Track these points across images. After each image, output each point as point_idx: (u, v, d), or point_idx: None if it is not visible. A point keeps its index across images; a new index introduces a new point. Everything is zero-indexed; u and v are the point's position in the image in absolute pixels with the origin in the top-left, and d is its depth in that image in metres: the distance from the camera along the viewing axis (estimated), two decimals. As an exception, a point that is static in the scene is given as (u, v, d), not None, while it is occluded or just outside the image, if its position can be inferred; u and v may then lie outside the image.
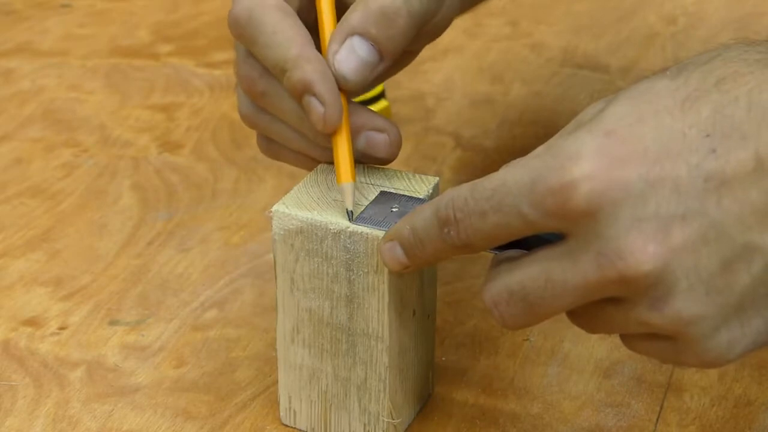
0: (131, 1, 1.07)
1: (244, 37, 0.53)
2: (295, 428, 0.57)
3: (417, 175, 0.55)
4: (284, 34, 0.52)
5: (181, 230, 0.73)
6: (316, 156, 0.55)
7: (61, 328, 0.64)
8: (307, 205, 0.52)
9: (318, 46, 0.53)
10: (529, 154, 0.45)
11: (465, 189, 0.46)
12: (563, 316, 0.65)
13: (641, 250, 0.42)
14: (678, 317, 0.43)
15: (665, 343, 0.44)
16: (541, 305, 0.45)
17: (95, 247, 0.71)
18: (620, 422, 0.57)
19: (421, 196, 0.53)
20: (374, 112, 0.55)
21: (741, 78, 0.43)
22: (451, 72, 0.93)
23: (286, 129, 0.55)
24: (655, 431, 0.57)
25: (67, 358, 0.62)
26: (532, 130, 0.84)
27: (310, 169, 0.56)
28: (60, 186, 0.78)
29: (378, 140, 0.54)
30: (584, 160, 0.42)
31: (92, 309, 0.66)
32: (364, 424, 0.54)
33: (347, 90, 0.53)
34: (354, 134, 0.53)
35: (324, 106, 0.51)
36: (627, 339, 0.46)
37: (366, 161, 0.55)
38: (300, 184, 0.54)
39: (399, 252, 0.49)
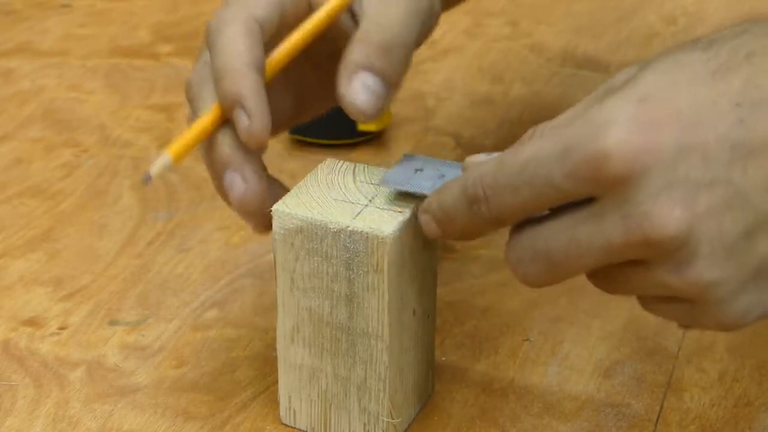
0: (131, 1, 1.07)
1: (208, 42, 0.54)
2: (295, 428, 0.57)
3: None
4: (236, 47, 0.52)
5: (181, 230, 0.73)
6: None
7: (61, 328, 0.64)
8: (307, 205, 0.52)
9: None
10: (555, 122, 0.46)
11: (492, 166, 0.47)
12: (564, 317, 0.65)
13: (668, 214, 0.43)
14: (699, 281, 0.44)
15: (683, 306, 0.46)
16: (565, 264, 0.46)
17: (95, 247, 0.71)
18: (620, 422, 0.57)
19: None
20: (256, 163, 0.53)
21: None
22: (451, 72, 0.93)
23: None
24: (655, 431, 0.57)
25: (67, 358, 0.62)
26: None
27: None
28: (60, 186, 0.78)
29: (236, 184, 0.53)
30: (618, 127, 0.43)
31: (92, 309, 0.66)
32: (364, 424, 0.54)
33: (365, 122, 0.54)
34: (220, 170, 0.53)
35: (250, 119, 0.52)
36: (644, 301, 0.48)
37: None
38: (300, 183, 0.54)
39: (433, 224, 0.50)
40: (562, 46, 0.98)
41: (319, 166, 0.56)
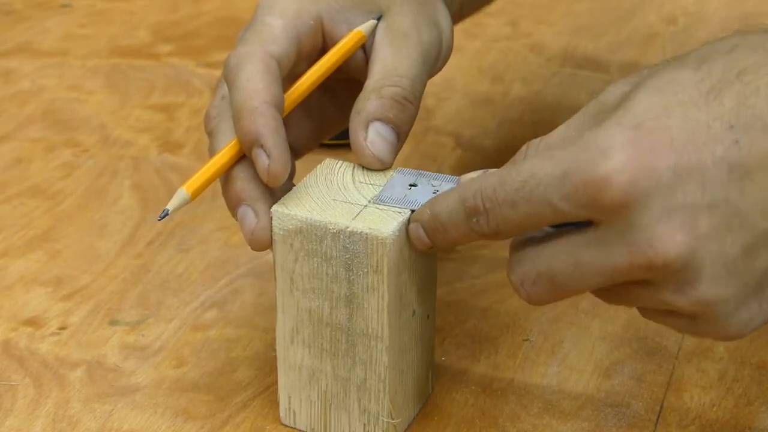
0: (131, 1, 1.07)
1: (227, 79, 0.55)
2: (294, 428, 0.57)
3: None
4: (254, 85, 0.53)
5: (181, 230, 0.73)
6: None
7: (61, 328, 0.64)
8: (307, 205, 0.52)
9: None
10: (551, 137, 0.47)
11: (493, 179, 0.47)
12: (564, 317, 0.65)
13: (670, 238, 0.43)
14: (703, 300, 0.44)
15: (685, 319, 0.46)
16: (568, 286, 0.47)
17: (95, 247, 0.71)
18: (620, 422, 0.57)
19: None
20: (268, 194, 0.54)
21: (762, 69, 0.44)
22: (451, 72, 0.93)
23: None
24: (655, 431, 0.57)
25: (67, 358, 0.62)
26: (532, 130, 0.84)
27: None
28: (60, 186, 0.78)
29: (247, 218, 0.54)
30: (616, 153, 0.44)
31: (92, 309, 0.66)
32: (364, 424, 0.54)
33: (379, 169, 0.55)
34: (235, 204, 0.54)
35: (269, 158, 0.52)
36: (646, 312, 0.48)
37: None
38: (300, 184, 0.54)
39: (422, 233, 0.51)
40: (562, 46, 0.98)
41: (318, 166, 0.56)
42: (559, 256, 0.46)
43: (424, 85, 0.57)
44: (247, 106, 0.52)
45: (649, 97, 0.45)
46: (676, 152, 0.43)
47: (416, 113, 0.56)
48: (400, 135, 0.55)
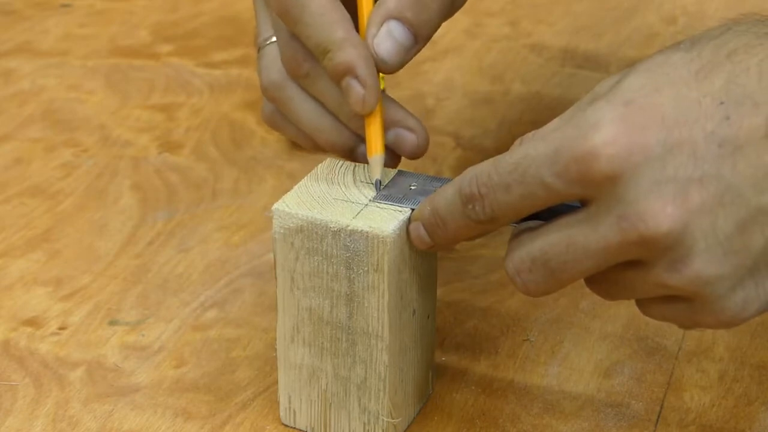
0: (131, 1, 1.07)
1: (289, 15, 0.54)
2: (295, 428, 0.57)
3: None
4: (330, 16, 0.53)
5: (181, 230, 0.73)
6: (339, 142, 0.58)
7: (61, 328, 0.64)
8: (308, 204, 0.52)
9: (357, 28, 0.55)
10: (545, 127, 0.47)
11: (487, 165, 0.47)
12: (564, 317, 0.65)
13: (661, 211, 0.43)
14: (697, 277, 0.44)
15: (682, 305, 0.46)
16: (563, 270, 0.46)
17: (95, 247, 0.71)
18: (620, 422, 0.57)
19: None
20: (408, 111, 0.56)
21: (752, 50, 0.45)
22: (451, 72, 0.93)
23: (302, 135, 0.59)
24: (655, 431, 0.57)
25: (67, 358, 0.62)
26: (532, 130, 0.84)
27: (310, 148, 0.58)
28: (60, 186, 0.78)
29: (406, 138, 0.56)
30: (605, 128, 0.44)
31: (92, 309, 0.66)
32: (364, 424, 0.54)
33: (385, 71, 0.55)
34: (386, 127, 0.55)
35: (364, 88, 0.53)
36: (643, 304, 0.48)
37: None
38: (301, 182, 0.54)
39: (423, 232, 0.51)
40: (562, 46, 0.98)
41: (319, 165, 0.56)
42: (553, 239, 0.46)
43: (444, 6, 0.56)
44: (334, 39, 0.53)
45: (640, 78, 0.45)
46: (666, 128, 0.43)
47: (440, 16, 0.55)
48: (418, 37, 0.55)
